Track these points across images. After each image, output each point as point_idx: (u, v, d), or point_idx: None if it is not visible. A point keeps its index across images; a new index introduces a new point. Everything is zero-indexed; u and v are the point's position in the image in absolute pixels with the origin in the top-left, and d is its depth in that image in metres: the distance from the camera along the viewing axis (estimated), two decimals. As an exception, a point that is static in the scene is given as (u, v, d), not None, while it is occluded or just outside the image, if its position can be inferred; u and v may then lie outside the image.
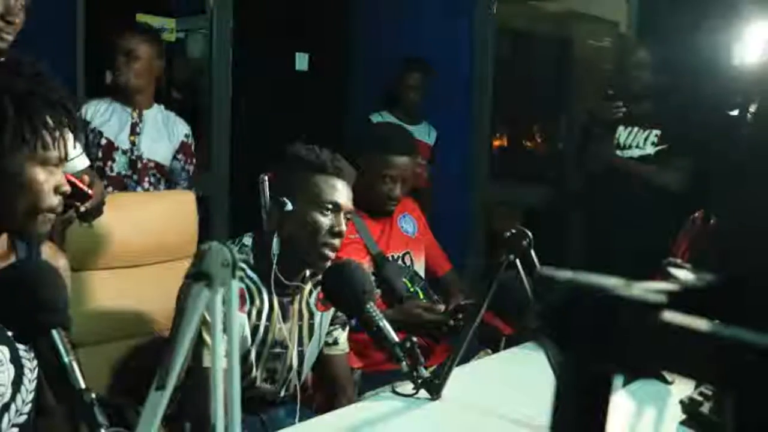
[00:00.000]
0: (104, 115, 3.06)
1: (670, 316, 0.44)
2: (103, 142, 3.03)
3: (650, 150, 3.24)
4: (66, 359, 1.09)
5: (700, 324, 0.43)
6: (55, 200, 1.36)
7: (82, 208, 1.79)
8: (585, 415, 0.48)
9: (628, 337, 0.45)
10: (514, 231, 1.60)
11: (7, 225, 1.37)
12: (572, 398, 0.49)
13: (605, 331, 0.45)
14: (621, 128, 3.30)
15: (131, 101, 3.08)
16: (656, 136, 3.23)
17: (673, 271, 1.52)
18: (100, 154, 2.99)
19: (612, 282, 0.46)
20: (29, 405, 1.45)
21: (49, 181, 1.35)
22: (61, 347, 1.08)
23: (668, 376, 1.74)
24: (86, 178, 1.79)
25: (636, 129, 3.27)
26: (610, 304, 0.45)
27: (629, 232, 3.12)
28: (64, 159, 1.37)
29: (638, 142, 3.25)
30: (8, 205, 1.33)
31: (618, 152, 3.28)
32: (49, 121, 1.33)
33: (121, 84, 3.05)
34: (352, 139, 2.90)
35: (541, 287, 0.49)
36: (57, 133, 1.34)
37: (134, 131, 3.08)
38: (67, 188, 1.38)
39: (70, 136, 1.37)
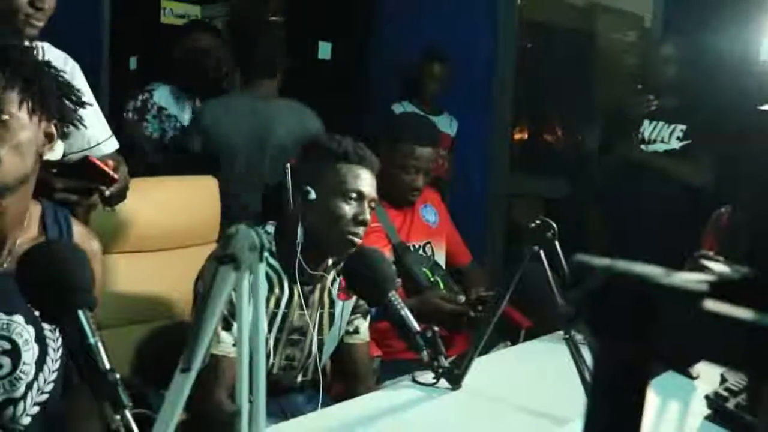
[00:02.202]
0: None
1: (712, 304, 0.43)
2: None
3: (675, 144, 3.21)
4: (92, 340, 1.09)
5: (744, 313, 0.42)
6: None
7: (107, 192, 1.80)
8: (621, 404, 0.48)
9: (669, 325, 0.44)
10: (538, 222, 1.58)
11: None
12: (608, 387, 0.48)
13: (645, 319, 0.45)
14: (646, 123, 3.27)
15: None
16: (681, 130, 3.20)
17: (708, 263, 1.50)
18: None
19: (651, 270, 0.46)
20: (51, 384, 1.47)
21: None
22: (86, 328, 1.09)
23: (693, 372, 1.73)
24: (111, 162, 1.79)
25: (661, 123, 3.24)
26: (650, 291, 0.45)
27: (652, 228, 3.09)
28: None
29: (663, 137, 3.22)
30: None
31: (643, 147, 3.25)
32: None
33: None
34: (376, 128, 2.90)
35: (577, 274, 0.49)
36: None
37: None
38: None
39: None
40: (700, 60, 3.27)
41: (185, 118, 3.20)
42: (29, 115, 1.36)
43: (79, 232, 1.53)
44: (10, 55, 1.36)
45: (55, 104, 1.41)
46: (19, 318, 1.39)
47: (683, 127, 3.19)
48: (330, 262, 1.95)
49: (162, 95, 3.19)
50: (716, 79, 3.27)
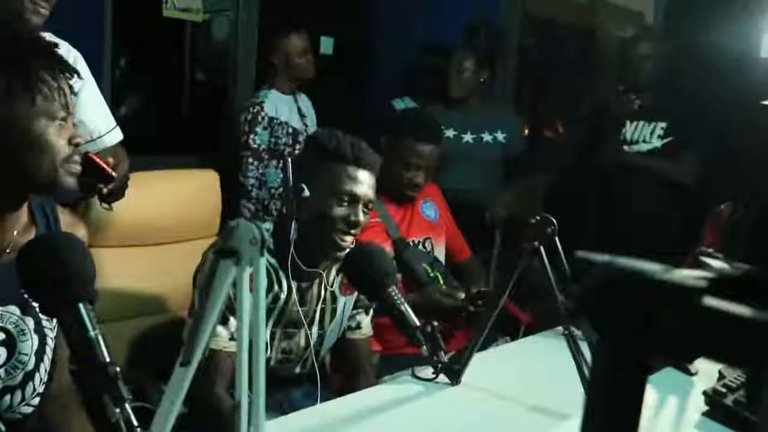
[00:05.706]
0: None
1: (712, 300, 0.43)
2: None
3: (657, 143, 3.19)
4: (92, 333, 1.09)
5: (743, 309, 0.42)
6: (68, 150, 1.33)
7: (105, 190, 1.79)
8: (620, 398, 0.48)
9: (669, 321, 0.44)
10: (539, 218, 1.58)
11: (33, 184, 1.34)
12: (608, 382, 0.48)
13: (646, 314, 0.45)
14: (627, 123, 3.25)
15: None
16: (662, 128, 3.19)
17: (707, 260, 1.51)
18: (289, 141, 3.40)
19: (652, 266, 0.46)
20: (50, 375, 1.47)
21: (61, 134, 1.32)
22: (87, 321, 1.09)
23: (691, 368, 1.74)
24: (111, 160, 1.78)
25: (642, 123, 3.22)
26: (651, 287, 0.45)
27: (639, 227, 3.09)
28: (67, 108, 1.32)
29: (644, 136, 3.21)
30: (28, 165, 1.30)
31: (625, 148, 3.24)
32: (44, 74, 1.28)
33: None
34: (378, 123, 2.89)
35: (579, 270, 0.49)
36: (54, 84, 1.29)
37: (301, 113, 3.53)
38: (79, 139, 1.35)
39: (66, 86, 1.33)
40: (676, 55, 3.26)
41: (295, 120, 3.45)
42: None
43: (65, 221, 1.50)
44: (55, 53, 1.34)
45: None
46: (14, 309, 1.38)
47: (663, 124, 3.18)
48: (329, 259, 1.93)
49: (272, 105, 3.38)
50: (698, 74, 3.26)
